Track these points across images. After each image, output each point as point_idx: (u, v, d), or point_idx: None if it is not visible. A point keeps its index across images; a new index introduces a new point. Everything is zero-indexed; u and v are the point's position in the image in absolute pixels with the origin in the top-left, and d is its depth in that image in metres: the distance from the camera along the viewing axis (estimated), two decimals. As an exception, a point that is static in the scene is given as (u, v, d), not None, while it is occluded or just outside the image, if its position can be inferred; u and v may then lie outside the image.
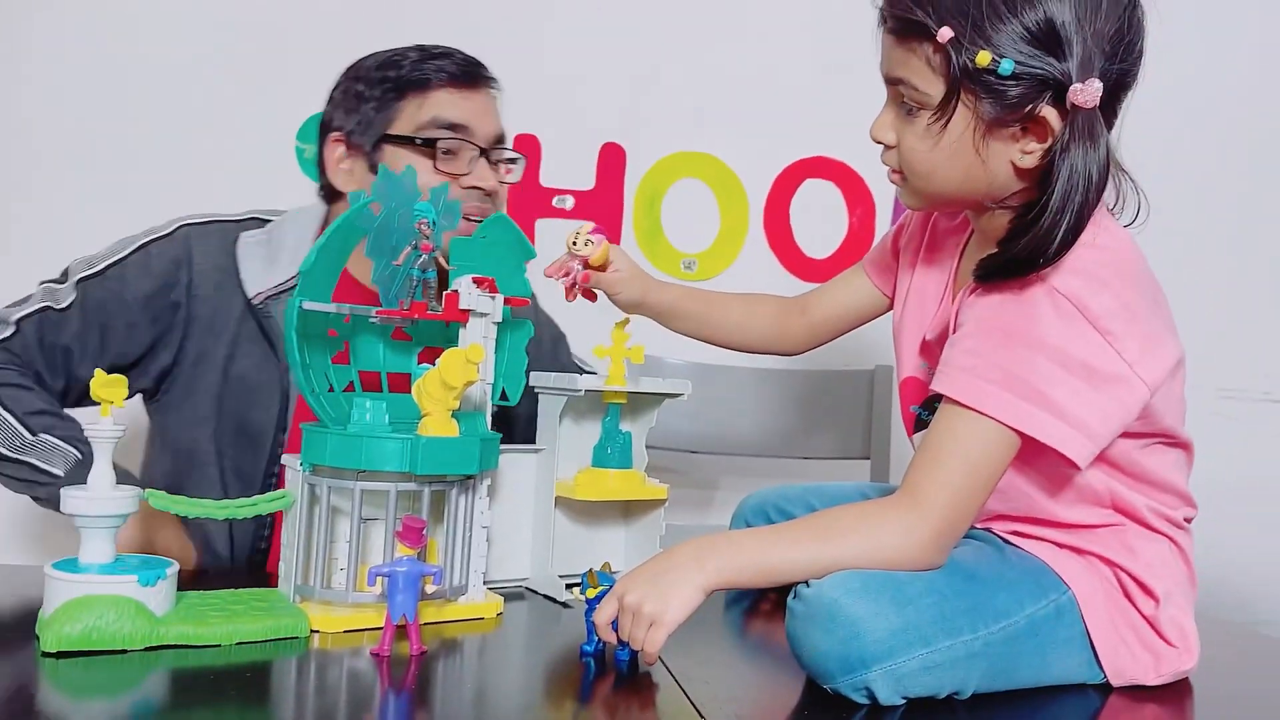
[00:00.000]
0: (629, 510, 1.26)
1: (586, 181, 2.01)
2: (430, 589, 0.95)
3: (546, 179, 1.99)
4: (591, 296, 1.21)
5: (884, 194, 2.04)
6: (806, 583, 0.88)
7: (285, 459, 1.04)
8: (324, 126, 1.36)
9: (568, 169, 1.99)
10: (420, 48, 1.34)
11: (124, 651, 0.88)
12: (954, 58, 0.88)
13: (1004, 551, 0.97)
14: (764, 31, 2.01)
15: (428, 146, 1.29)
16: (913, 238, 1.15)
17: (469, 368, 0.96)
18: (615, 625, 0.90)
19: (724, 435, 1.81)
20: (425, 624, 1.00)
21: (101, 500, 0.90)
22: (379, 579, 0.94)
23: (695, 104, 2.01)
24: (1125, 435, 0.93)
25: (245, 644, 0.93)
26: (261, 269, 1.31)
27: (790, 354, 1.31)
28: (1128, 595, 0.97)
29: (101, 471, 0.91)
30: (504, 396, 1.13)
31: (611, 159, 2.01)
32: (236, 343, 1.30)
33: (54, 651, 0.86)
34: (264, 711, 0.81)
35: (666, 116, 2.01)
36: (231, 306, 1.30)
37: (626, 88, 1.99)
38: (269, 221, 1.36)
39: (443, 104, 1.31)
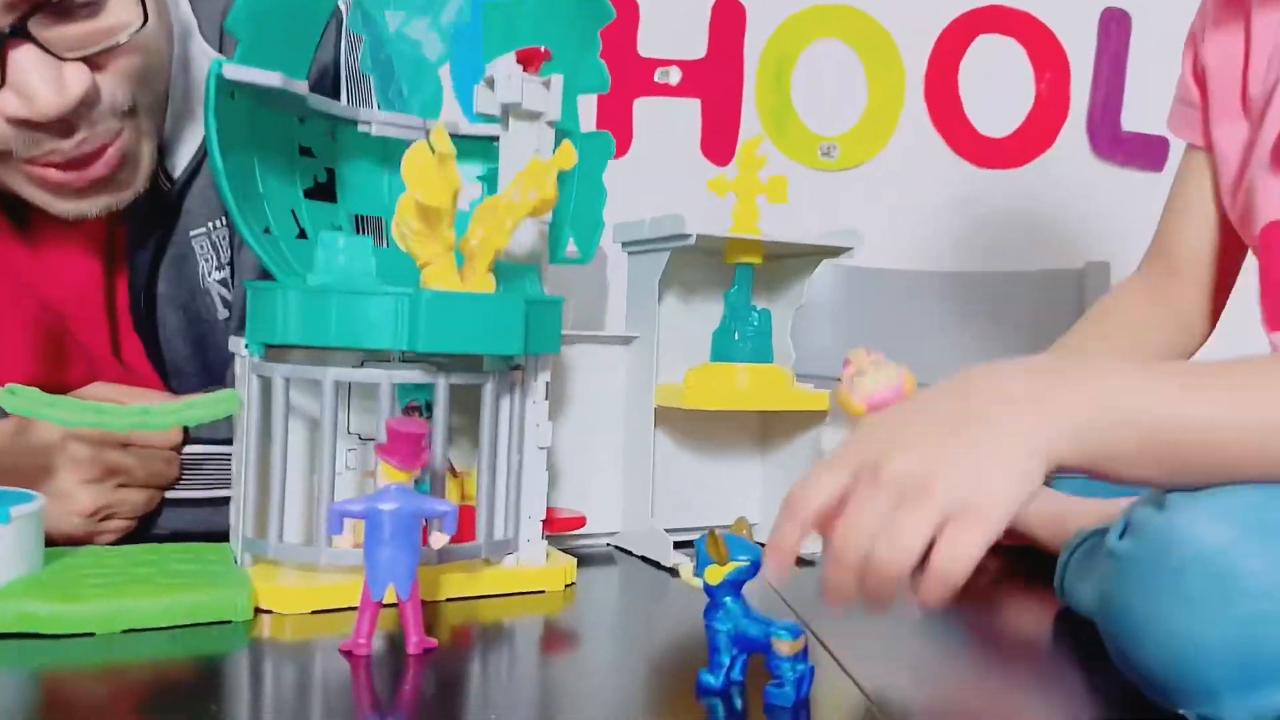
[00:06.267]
0: (769, 431, 0.85)
1: (696, 49, 1.63)
2: (438, 542, 0.56)
3: (645, 48, 1.62)
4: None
5: (1080, 51, 1.59)
6: (1158, 504, 0.45)
7: (232, 341, 0.67)
8: None
9: (672, 34, 1.63)
10: None
11: (-87, 644, 0.52)
12: None
13: None
14: None
15: None
16: (1203, 29, 0.74)
17: (541, 174, 0.58)
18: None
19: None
20: (435, 602, 0.62)
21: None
22: (348, 523, 0.55)
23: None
24: None
25: (134, 633, 0.56)
26: None
27: (1204, 339, 0.85)
28: None
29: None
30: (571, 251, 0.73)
31: (727, 19, 1.62)
32: None
33: None
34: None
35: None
36: None
37: (744, -74, 1.61)
38: None
39: None
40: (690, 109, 1.62)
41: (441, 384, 0.62)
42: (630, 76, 1.61)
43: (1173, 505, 0.45)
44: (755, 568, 0.53)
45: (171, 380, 0.82)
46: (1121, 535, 0.47)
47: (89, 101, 0.66)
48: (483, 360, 0.66)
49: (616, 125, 1.60)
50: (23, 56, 0.63)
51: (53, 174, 0.69)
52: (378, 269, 0.63)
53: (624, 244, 0.79)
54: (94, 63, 0.66)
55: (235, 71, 0.59)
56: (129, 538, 0.72)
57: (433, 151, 0.55)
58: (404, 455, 0.55)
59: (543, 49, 0.66)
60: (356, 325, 0.59)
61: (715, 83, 1.62)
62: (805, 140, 1.63)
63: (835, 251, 0.79)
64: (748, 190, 0.76)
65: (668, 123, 1.61)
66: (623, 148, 1.60)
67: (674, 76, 1.62)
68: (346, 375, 0.61)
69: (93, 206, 0.72)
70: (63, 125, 0.66)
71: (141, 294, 0.78)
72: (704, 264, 0.81)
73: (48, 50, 0.64)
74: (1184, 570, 0.43)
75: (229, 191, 0.60)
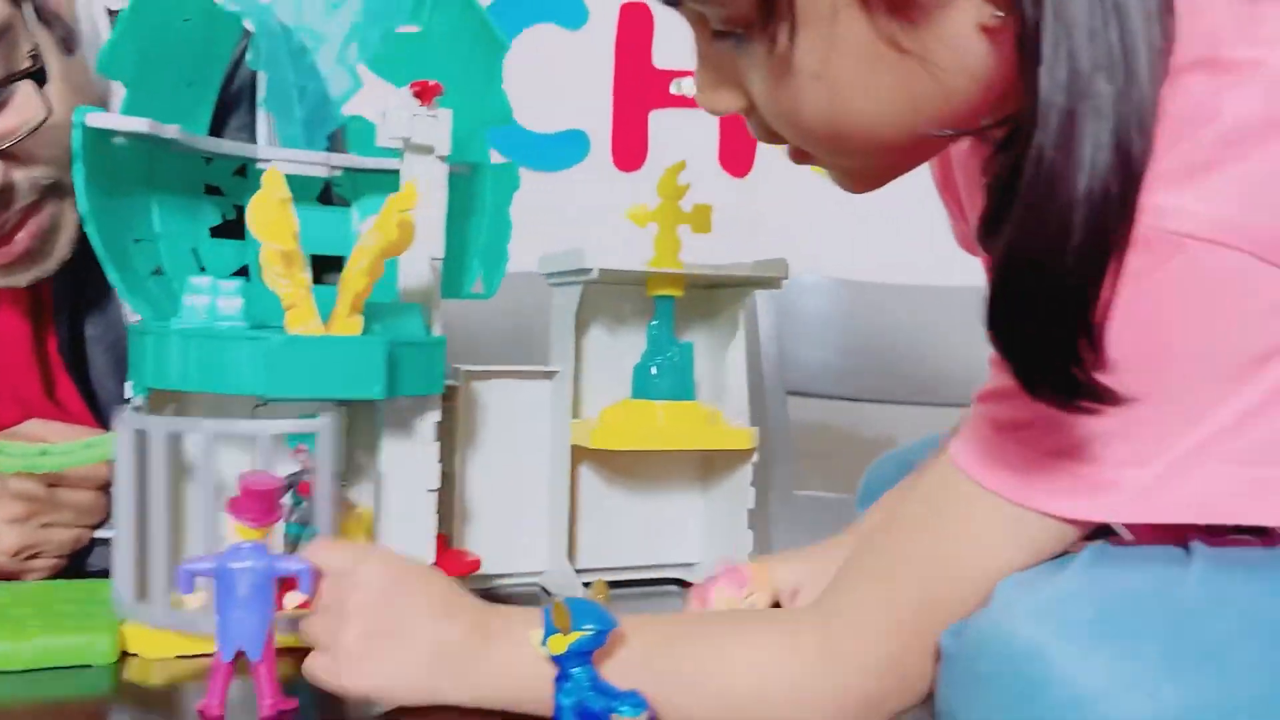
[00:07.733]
0: (710, 466, 0.82)
1: (712, 59, 1.56)
2: (292, 601, 0.55)
3: (660, 59, 1.57)
4: None
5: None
6: (988, 599, 0.42)
7: (130, 385, 0.66)
8: None
9: (688, 45, 1.53)
10: None
11: None
12: None
13: None
14: None
15: None
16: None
17: (396, 223, 0.57)
18: None
19: (891, 372, 1.32)
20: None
21: None
22: (198, 583, 0.54)
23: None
24: None
25: (-5, 678, 0.56)
26: None
27: None
28: None
29: None
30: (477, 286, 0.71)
31: (744, 27, 1.55)
32: None
33: None
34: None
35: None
36: None
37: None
38: None
39: None
40: (707, 121, 1.58)
41: (327, 430, 0.60)
42: (646, 88, 1.57)
43: (994, 598, 0.41)
44: (601, 636, 0.51)
45: (107, 418, 0.82)
46: (954, 633, 0.43)
47: (3, 191, 0.68)
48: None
49: (632, 138, 1.57)
50: None
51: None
52: (267, 310, 0.62)
53: (547, 276, 0.77)
54: (6, 154, 0.68)
55: (98, 119, 0.59)
56: (62, 574, 0.73)
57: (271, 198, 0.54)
58: (256, 512, 0.54)
59: (432, 83, 0.65)
60: (216, 371, 0.58)
61: (732, 93, 1.58)
62: (825, 150, 1.57)
63: (765, 282, 0.75)
64: (669, 220, 0.73)
65: (685, 135, 1.57)
66: (639, 160, 1.57)
67: (689, 88, 1.58)
68: (225, 428, 0.60)
69: (21, 279, 0.75)
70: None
71: (68, 338, 0.79)
72: (634, 294, 0.79)
73: None
74: (993, 675, 0.39)
75: (99, 238, 0.60)
